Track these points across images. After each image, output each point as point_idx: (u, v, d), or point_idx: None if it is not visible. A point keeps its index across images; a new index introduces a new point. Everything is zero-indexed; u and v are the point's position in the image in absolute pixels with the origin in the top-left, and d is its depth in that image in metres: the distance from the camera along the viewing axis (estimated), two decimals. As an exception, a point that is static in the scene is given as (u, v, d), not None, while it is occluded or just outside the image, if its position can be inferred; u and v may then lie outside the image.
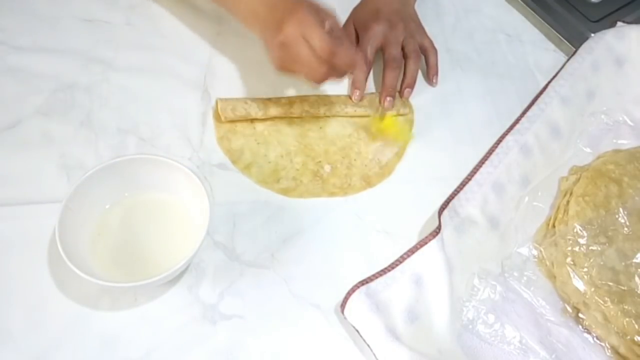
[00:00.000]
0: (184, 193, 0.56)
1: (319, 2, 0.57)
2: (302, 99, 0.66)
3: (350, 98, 0.67)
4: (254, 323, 0.53)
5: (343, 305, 0.51)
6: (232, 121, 0.64)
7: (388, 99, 0.66)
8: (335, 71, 0.57)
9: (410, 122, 0.68)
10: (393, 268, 0.54)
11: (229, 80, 0.68)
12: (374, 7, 0.70)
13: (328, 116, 0.66)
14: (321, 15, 0.56)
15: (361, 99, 0.67)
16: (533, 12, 0.78)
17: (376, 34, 0.67)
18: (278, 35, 0.54)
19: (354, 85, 0.67)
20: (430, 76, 0.71)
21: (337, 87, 0.69)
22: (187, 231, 0.55)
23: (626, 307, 0.53)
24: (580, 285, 0.55)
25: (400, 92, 0.68)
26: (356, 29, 0.71)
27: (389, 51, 0.67)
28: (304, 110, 0.65)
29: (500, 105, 0.70)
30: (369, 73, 0.68)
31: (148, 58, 0.69)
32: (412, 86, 0.68)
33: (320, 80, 0.57)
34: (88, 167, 0.55)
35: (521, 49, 0.77)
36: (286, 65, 0.57)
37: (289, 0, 0.56)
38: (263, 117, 0.65)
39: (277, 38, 0.54)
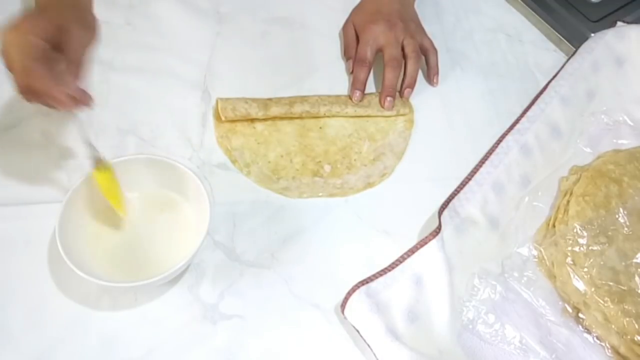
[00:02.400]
0: (184, 193, 0.56)
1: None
2: (303, 99, 0.66)
3: (351, 98, 0.67)
4: (254, 323, 0.53)
5: (343, 305, 0.51)
6: (232, 121, 0.64)
7: (388, 99, 0.66)
8: (37, 95, 0.49)
9: (410, 122, 0.68)
10: (393, 268, 0.54)
11: (229, 80, 0.68)
12: (374, 7, 0.70)
13: (328, 116, 0.66)
14: (47, 31, 0.49)
15: (361, 99, 0.67)
16: (533, 12, 0.78)
17: (376, 34, 0.67)
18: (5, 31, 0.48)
19: (354, 86, 0.67)
20: (431, 76, 0.71)
21: (338, 88, 0.69)
22: (187, 231, 0.55)
23: (626, 307, 0.53)
24: (580, 285, 0.55)
25: (401, 92, 0.68)
26: (356, 29, 0.71)
27: (388, 51, 0.67)
28: (304, 111, 0.65)
29: (500, 105, 0.70)
30: (369, 74, 0.68)
31: (148, 58, 0.69)
32: (412, 86, 0.68)
33: (24, 95, 0.49)
34: (88, 166, 0.55)
35: (521, 49, 0.77)
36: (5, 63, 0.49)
37: (41, 3, 0.53)
38: (263, 117, 0.65)
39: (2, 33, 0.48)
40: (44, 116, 0.63)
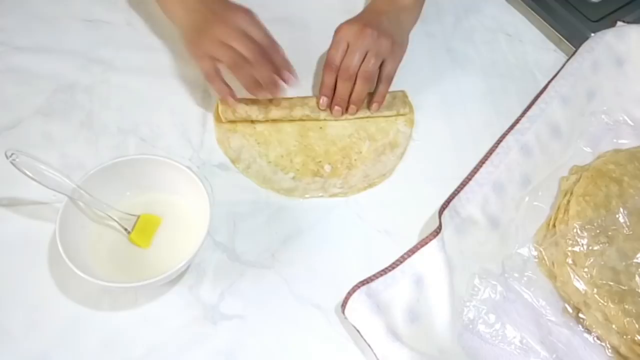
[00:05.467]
0: (185, 193, 0.56)
1: None
2: (303, 102, 0.66)
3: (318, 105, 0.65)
4: (254, 323, 0.53)
5: (344, 305, 0.51)
6: (232, 121, 0.64)
7: (336, 107, 0.65)
8: (266, 71, 0.59)
9: (411, 122, 0.68)
10: (394, 268, 0.53)
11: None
12: (362, 12, 0.67)
13: (328, 120, 0.66)
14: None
15: (328, 105, 0.65)
16: (533, 12, 0.78)
17: (347, 36, 0.62)
18: (216, 23, 0.58)
19: (321, 91, 0.64)
20: (371, 103, 0.66)
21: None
22: (187, 231, 0.55)
23: (627, 306, 0.53)
24: (580, 285, 0.55)
25: (348, 108, 0.65)
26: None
27: (347, 59, 0.62)
28: (304, 114, 0.65)
29: (500, 105, 0.70)
30: (335, 78, 0.63)
31: (148, 58, 0.69)
32: (357, 104, 0.65)
33: (252, 77, 0.59)
34: (88, 167, 0.55)
35: (521, 49, 0.77)
36: (211, 48, 0.58)
37: (227, 2, 0.61)
38: (263, 120, 0.65)
39: (215, 26, 0.58)
40: (44, 116, 0.63)
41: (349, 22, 0.64)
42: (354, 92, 0.64)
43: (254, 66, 0.58)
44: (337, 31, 0.64)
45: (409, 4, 0.67)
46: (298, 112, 0.65)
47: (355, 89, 0.63)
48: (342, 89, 0.63)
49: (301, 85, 0.69)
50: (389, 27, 0.64)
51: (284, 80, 0.61)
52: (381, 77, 0.65)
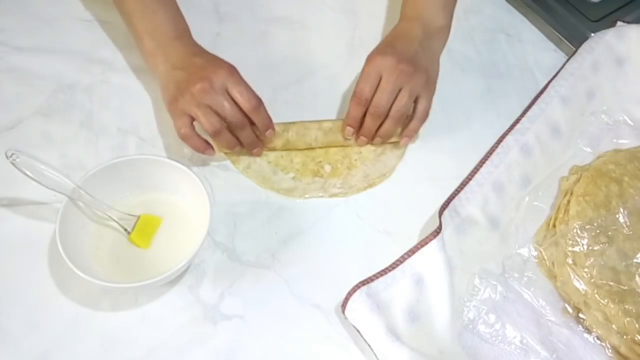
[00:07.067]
0: (184, 193, 0.56)
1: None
2: (302, 139, 0.63)
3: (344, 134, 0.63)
4: (254, 323, 0.53)
5: (344, 305, 0.51)
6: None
7: (362, 138, 0.63)
8: (246, 131, 0.58)
9: None
10: (394, 268, 0.53)
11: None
12: (390, 38, 0.63)
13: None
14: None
15: (353, 134, 0.63)
16: (533, 12, 0.78)
17: (379, 69, 0.59)
18: (197, 81, 0.55)
19: (346, 121, 0.62)
20: (402, 137, 0.64)
21: (338, 88, 0.69)
22: (187, 231, 0.55)
23: (627, 306, 0.53)
24: (580, 285, 0.55)
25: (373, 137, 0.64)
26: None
27: (378, 97, 0.59)
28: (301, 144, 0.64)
29: (500, 105, 0.70)
30: (364, 111, 0.61)
31: (148, 58, 0.69)
32: (382, 139, 0.63)
33: (232, 140, 0.58)
34: (88, 167, 0.56)
35: (521, 48, 0.77)
36: (190, 108, 0.56)
37: (210, 55, 0.60)
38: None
39: (196, 85, 0.55)
40: (44, 116, 0.63)
41: (381, 52, 0.60)
42: (383, 129, 0.62)
43: (234, 130, 0.57)
44: (368, 62, 0.60)
45: (442, 25, 0.64)
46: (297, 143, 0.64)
47: (385, 125, 0.61)
48: (372, 124, 0.61)
49: (301, 85, 0.69)
50: (423, 59, 0.61)
51: (264, 139, 0.61)
52: (415, 113, 0.62)
